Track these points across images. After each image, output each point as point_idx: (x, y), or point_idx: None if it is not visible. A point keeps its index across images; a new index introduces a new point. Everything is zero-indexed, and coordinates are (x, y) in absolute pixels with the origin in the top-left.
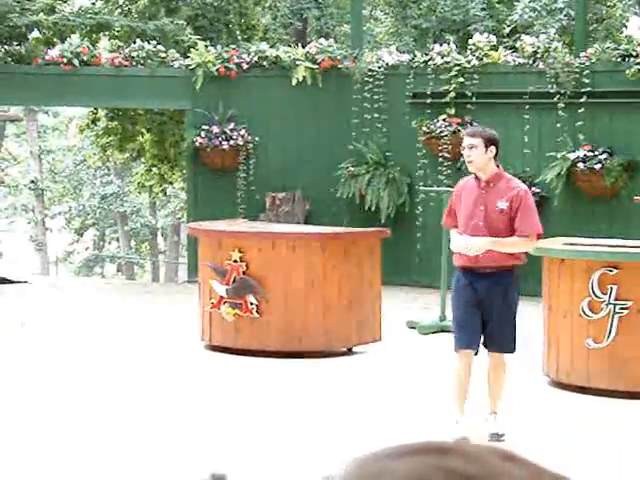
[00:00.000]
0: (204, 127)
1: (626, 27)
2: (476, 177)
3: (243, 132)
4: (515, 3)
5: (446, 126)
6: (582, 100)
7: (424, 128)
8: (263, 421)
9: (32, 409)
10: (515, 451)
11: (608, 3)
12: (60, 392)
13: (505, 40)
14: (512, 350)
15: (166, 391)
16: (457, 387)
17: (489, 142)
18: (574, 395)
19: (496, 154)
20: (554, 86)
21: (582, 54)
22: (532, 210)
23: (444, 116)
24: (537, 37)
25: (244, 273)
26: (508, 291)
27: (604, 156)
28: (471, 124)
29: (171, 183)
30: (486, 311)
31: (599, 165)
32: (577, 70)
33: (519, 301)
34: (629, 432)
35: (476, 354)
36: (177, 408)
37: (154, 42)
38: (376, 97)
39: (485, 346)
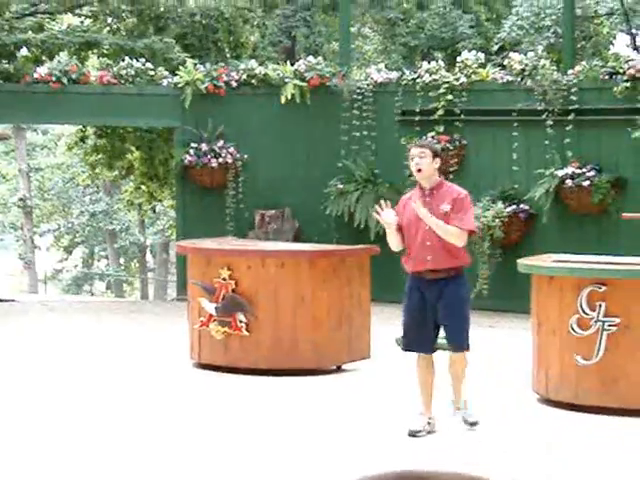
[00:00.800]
0: (193, 145)
1: (613, 44)
2: (420, 187)
3: (232, 150)
4: (503, 21)
5: (435, 144)
6: (570, 117)
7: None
8: (252, 439)
9: (20, 426)
10: (490, 477)
11: (595, 21)
12: (48, 409)
13: (493, 58)
14: (464, 348)
15: (155, 409)
16: (419, 386)
17: (435, 154)
18: (563, 412)
19: (439, 166)
20: (542, 103)
21: (570, 71)
22: (469, 210)
23: (433, 133)
24: (525, 55)
25: (233, 291)
26: (457, 295)
27: (592, 173)
28: (459, 142)
29: (160, 201)
30: (438, 314)
31: (587, 182)
32: (565, 87)
33: (469, 302)
34: (618, 449)
35: (428, 352)
36: (166, 426)
37: (143, 60)
38: (365, 115)
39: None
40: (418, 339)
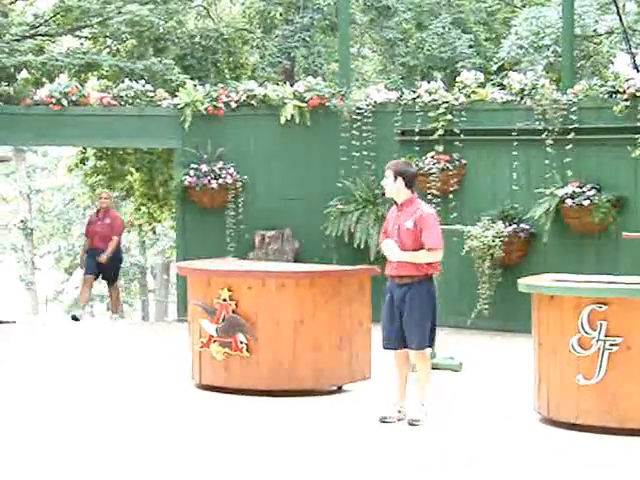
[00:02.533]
0: (193, 166)
1: (613, 64)
2: (395, 203)
3: (232, 171)
4: (502, 40)
5: (434, 163)
6: (570, 136)
7: (413, 165)
8: (252, 460)
9: (17, 444)
10: None
11: (595, 40)
12: (47, 427)
13: (492, 77)
14: (422, 346)
15: (156, 430)
16: (395, 377)
17: (398, 174)
18: (565, 432)
19: (407, 184)
20: (542, 123)
21: (569, 91)
22: (434, 228)
23: (432, 153)
24: (524, 74)
25: (233, 312)
26: (419, 297)
27: (592, 192)
28: (459, 161)
29: (160, 222)
30: (404, 314)
31: (587, 201)
32: (564, 107)
33: (433, 305)
34: (620, 469)
35: (398, 348)
36: (167, 447)
37: (142, 82)
38: (364, 135)
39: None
40: (390, 336)
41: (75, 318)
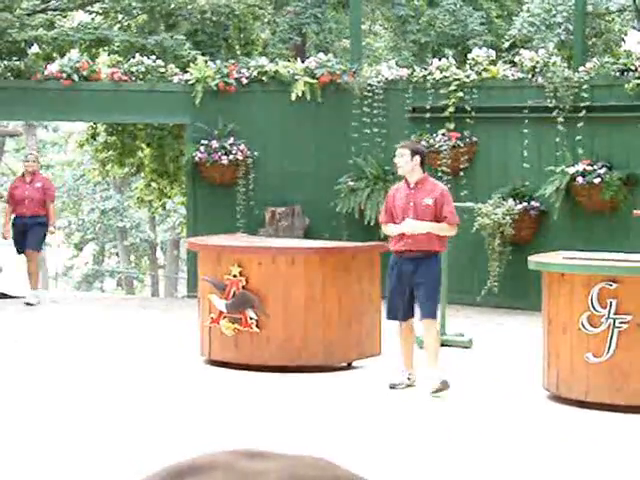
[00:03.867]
0: (203, 142)
1: (625, 41)
2: (406, 181)
3: (242, 147)
4: (514, 18)
5: (445, 140)
6: (581, 114)
7: (423, 143)
8: (261, 436)
9: (29, 419)
10: (261, 449)
11: (607, 17)
12: (56, 405)
13: (504, 55)
14: (433, 315)
15: (165, 406)
16: (401, 347)
17: (414, 153)
18: (574, 409)
19: (422, 163)
20: (553, 100)
21: (581, 68)
22: (452, 204)
23: (443, 131)
24: (536, 52)
25: (244, 288)
26: (429, 271)
27: (603, 170)
28: (470, 139)
29: (170, 198)
30: (414, 287)
31: (598, 179)
32: (576, 84)
33: (439, 281)
34: (628, 446)
35: (404, 319)
36: (176, 423)
37: (153, 57)
38: (375, 112)
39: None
40: (398, 308)
41: (30, 304)
